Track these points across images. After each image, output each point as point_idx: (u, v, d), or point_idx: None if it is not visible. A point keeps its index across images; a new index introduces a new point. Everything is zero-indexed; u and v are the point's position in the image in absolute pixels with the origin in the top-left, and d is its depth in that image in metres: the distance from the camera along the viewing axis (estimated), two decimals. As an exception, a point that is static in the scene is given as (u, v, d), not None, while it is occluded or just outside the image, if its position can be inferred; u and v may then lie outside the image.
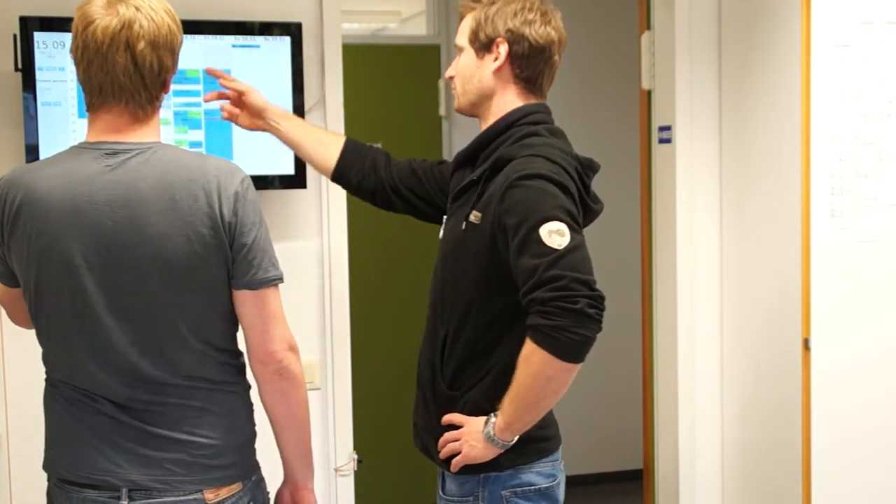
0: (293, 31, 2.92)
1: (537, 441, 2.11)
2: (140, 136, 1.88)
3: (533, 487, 2.11)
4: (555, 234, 1.92)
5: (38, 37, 2.67)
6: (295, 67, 2.92)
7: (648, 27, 3.54)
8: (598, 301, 1.91)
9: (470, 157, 2.22)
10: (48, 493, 1.95)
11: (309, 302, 3.12)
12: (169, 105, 2.78)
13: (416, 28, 5.19)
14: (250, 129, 2.51)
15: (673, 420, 3.47)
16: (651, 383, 3.66)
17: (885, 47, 2.96)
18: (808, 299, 2.97)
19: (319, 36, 3.06)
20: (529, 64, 2.16)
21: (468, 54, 2.20)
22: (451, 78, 2.26)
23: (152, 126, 1.90)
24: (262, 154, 2.82)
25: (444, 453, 2.11)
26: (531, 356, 1.94)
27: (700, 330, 3.44)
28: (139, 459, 1.85)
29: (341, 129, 3.10)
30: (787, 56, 3.05)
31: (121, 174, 1.83)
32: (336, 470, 3.15)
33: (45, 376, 1.96)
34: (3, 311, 2.14)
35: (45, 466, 1.95)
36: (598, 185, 2.20)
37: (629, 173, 4.17)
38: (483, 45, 2.17)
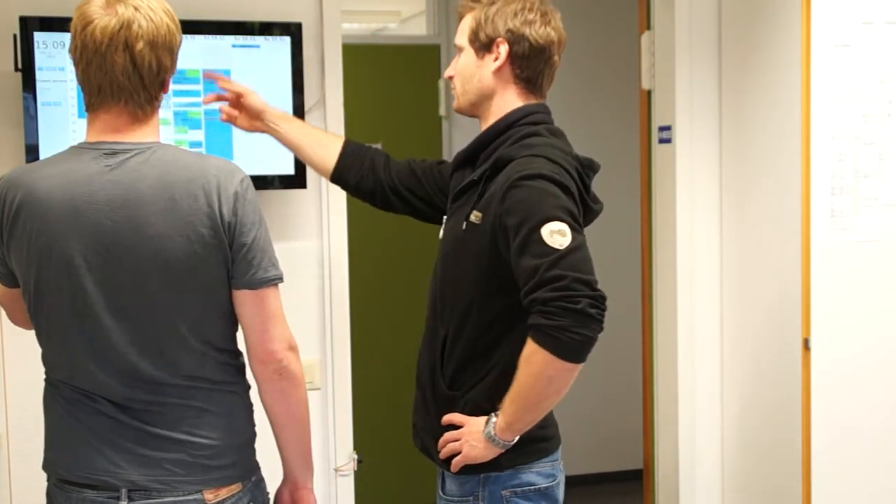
0: (293, 31, 2.92)
1: (537, 441, 2.11)
2: (139, 136, 1.88)
3: (533, 487, 2.11)
4: (556, 235, 1.92)
5: (38, 37, 2.68)
6: (295, 67, 2.92)
7: (648, 27, 3.54)
8: (599, 301, 1.91)
9: (470, 157, 2.22)
10: (48, 494, 1.95)
11: (309, 302, 3.12)
12: (169, 105, 2.78)
13: (416, 28, 5.19)
14: (249, 130, 2.52)
15: (673, 420, 3.47)
16: (651, 383, 3.66)
17: (885, 47, 2.96)
18: (808, 299, 2.97)
19: (319, 36, 3.06)
20: (529, 64, 2.16)
21: (468, 54, 2.20)
22: (451, 78, 2.26)
23: (151, 126, 1.90)
24: (262, 154, 2.82)
25: (444, 453, 2.11)
26: (533, 356, 1.94)
27: (700, 330, 3.44)
28: (139, 459, 1.85)
29: (341, 129, 3.10)
30: (787, 56, 3.05)
31: (120, 174, 1.83)
32: (336, 470, 3.15)
33: (44, 376, 1.96)
34: (3, 312, 2.14)
35: (45, 467, 1.95)
36: (598, 185, 2.20)
37: (629, 173, 4.17)
38: (483, 45, 2.17)
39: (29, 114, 2.69)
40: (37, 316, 1.90)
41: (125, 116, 1.87)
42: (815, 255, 2.95)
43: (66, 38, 1.88)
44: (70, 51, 1.86)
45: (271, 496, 2.07)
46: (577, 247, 1.93)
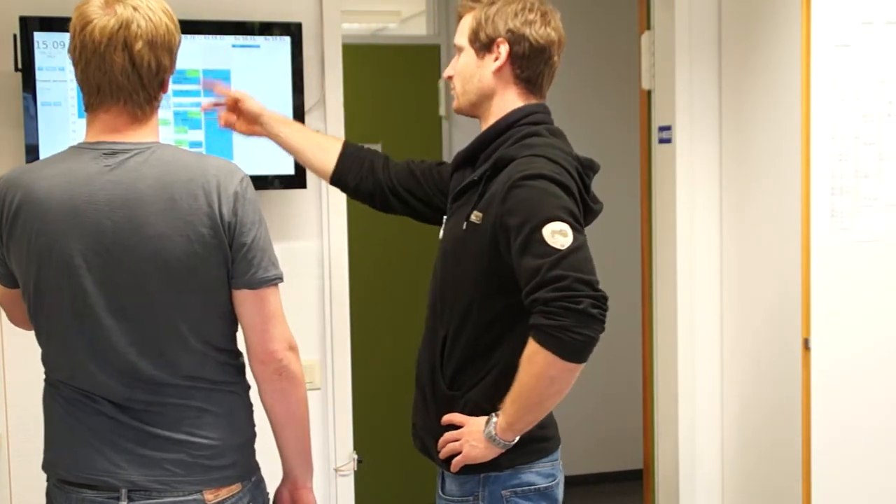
0: (293, 31, 2.92)
1: (537, 441, 2.11)
2: (139, 136, 1.88)
3: (533, 487, 2.11)
4: (557, 235, 1.92)
5: (38, 37, 2.68)
6: (295, 67, 2.92)
7: (648, 27, 3.54)
8: (601, 301, 1.91)
9: (470, 157, 2.22)
10: (47, 494, 1.95)
11: (309, 302, 3.12)
12: (169, 105, 2.78)
13: (416, 28, 5.19)
14: (248, 134, 2.52)
15: (673, 420, 3.47)
16: (651, 383, 3.66)
17: (885, 47, 2.96)
18: (808, 299, 2.97)
19: (319, 36, 3.06)
20: (530, 64, 2.16)
21: (468, 54, 2.20)
22: (450, 78, 2.26)
23: (151, 126, 1.90)
24: (261, 154, 2.82)
25: (444, 453, 2.11)
26: (534, 356, 1.94)
27: (700, 330, 3.44)
28: (138, 460, 1.85)
29: (341, 129, 3.10)
30: (787, 56, 3.05)
31: (120, 174, 1.83)
32: (336, 470, 3.15)
33: (44, 377, 1.96)
34: (3, 312, 2.14)
35: (45, 467, 1.95)
36: (598, 185, 2.20)
37: (629, 173, 4.17)
38: (483, 46, 2.17)
39: (29, 114, 2.69)
40: (36, 316, 1.90)
41: (124, 116, 1.86)
42: (815, 255, 2.95)
43: (66, 38, 1.88)
44: (69, 51, 1.86)
45: (271, 496, 2.07)
46: (579, 247, 1.93)
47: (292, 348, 1.94)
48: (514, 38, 2.14)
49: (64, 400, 1.90)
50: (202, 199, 1.83)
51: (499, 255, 2.03)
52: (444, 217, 2.25)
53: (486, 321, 2.08)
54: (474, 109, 2.22)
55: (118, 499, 1.85)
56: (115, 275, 1.82)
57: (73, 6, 1.87)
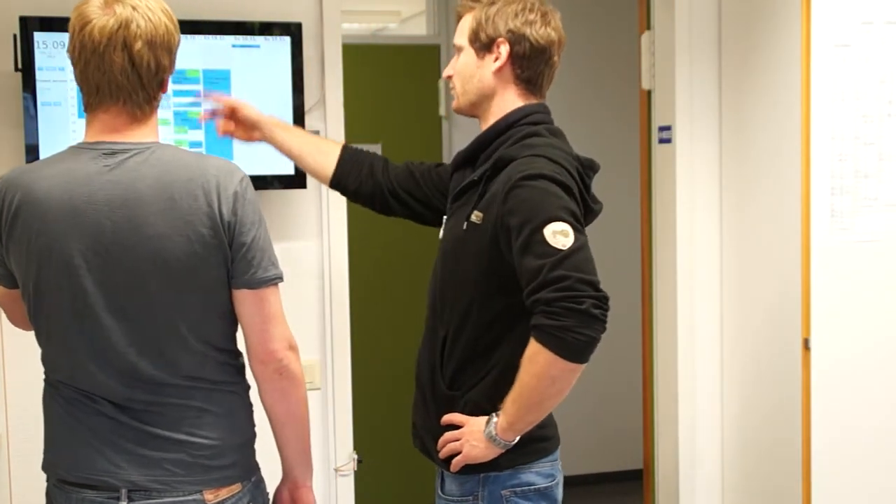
0: (293, 31, 2.92)
1: (537, 441, 2.11)
2: (138, 135, 1.88)
3: (532, 487, 2.11)
4: (559, 235, 1.92)
5: (38, 37, 2.68)
6: (295, 67, 2.92)
7: (648, 27, 3.54)
8: (602, 301, 1.91)
9: (470, 157, 2.22)
10: (47, 494, 1.95)
11: (309, 302, 3.12)
12: (169, 105, 2.78)
13: (416, 28, 5.19)
14: (247, 141, 2.51)
15: (673, 420, 3.47)
16: (651, 383, 3.66)
17: (885, 47, 2.96)
18: (808, 299, 2.97)
19: (319, 36, 3.06)
20: (530, 64, 2.16)
21: (468, 54, 2.20)
22: (450, 78, 2.26)
23: (150, 126, 1.90)
24: (261, 154, 2.81)
25: (444, 453, 2.11)
26: (536, 356, 1.94)
27: (700, 330, 3.44)
28: (139, 460, 1.85)
29: (341, 129, 3.10)
30: (787, 56, 3.05)
31: (119, 174, 1.83)
32: (336, 470, 3.15)
33: (43, 377, 1.95)
34: (3, 312, 2.14)
35: (45, 467, 1.95)
36: (598, 185, 2.20)
37: (629, 173, 4.17)
38: (483, 46, 2.17)
39: (29, 114, 2.69)
40: (36, 316, 1.90)
41: (124, 116, 1.86)
42: (815, 255, 2.95)
43: (66, 38, 1.88)
44: (68, 51, 1.86)
45: (271, 496, 2.07)
46: (580, 247, 1.93)
47: (292, 348, 1.94)
48: (515, 39, 2.14)
49: (64, 400, 1.89)
50: (202, 198, 1.83)
51: (499, 255, 2.02)
52: (444, 218, 2.25)
53: (486, 321, 2.08)
54: (474, 109, 2.22)
55: (118, 499, 1.85)
56: (115, 275, 1.82)
57: (72, 6, 1.87)
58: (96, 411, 1.87)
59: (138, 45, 1.82)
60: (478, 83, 2.19)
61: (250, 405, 2.00)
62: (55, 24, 2.67)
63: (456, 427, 2.10)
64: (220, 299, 1.88)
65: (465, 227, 2.10)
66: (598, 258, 1.97)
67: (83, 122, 1.91)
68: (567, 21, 2.23)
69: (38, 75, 2.68)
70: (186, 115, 2.81)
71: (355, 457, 3.18)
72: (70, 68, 1.89)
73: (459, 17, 2.24)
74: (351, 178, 2.45)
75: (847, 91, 2.94)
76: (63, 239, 1.82)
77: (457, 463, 2.09)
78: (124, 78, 1.83)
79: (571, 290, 1.89)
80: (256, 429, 2.00)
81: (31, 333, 1.95)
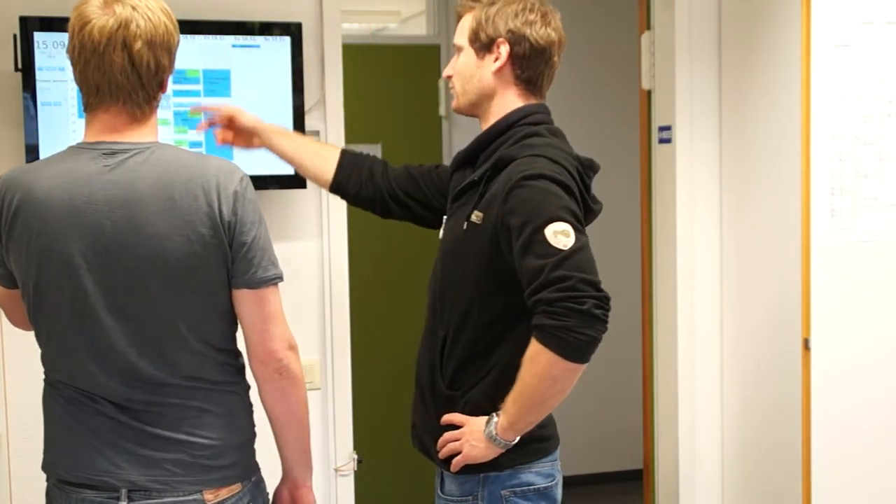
0: (293, 31, 2.92)
1: (537, 441, 2.11)
2: (138, 135, 1.87)
3: (532, 487, 2.11)
4: (560, 235, 1.92)
5: (38, 37, 2.68)
6: (295, 67, 2.92)
7: (648, 27, 3.54)
8: (604, 302, 1.91)
9: (470, 157, 2.22)
10: (47, 494, 1.95)
11: (309, 302, 3.12)
12: (169, 105, 2.78)
13: (416, 28, 5.19)
14: (246, 148, 2.51)
15: (673, 420, 3.47)
16: (651, 383, 3.66)
17: (885, 47, 2.96)
18: (808, 299, 2.97)
19: (319, 36, 3.06)
20: (530, 65, 2.16)
21: (468, 54, 2.20)
22: (449, 77, 2.26)
23: (150, 126, 1.90)
24: (261, 154, 2.81)
25: (443, 453, 2.11)
26: (537, 356, 1.94)
27: (700, 330, 3.44)
28: (139, 460, 1.85)
29: (341, 129, 3.10)
30: (787, 56, 3.05)
31: (119, 174, 1.83)
32: (336, 470, 3.15)
33: (43, 377, 1.95)
34: (3, 312, 2.14)
35: (45, 467, 1.95)
36: (598, 185, 2.20)
37: (629, 173, 4.17)
38: (483, 46, 2.17)
39: (29, 114, 2.69)
40: (36, 316, 1.90)
41: (123, 116, 1.86)
42: (815, 255, 2.95)
43: (65, 38, 1.88)
44: (68, 51, 1.86)
45: (271, 495, 2.07)
46: (581, 247, 1.93)
47: (292, 348, 1.94)
48: (515, 39, 2.14)
49: (64, 400, 1.89)
50: (202, 198, 1.83)
51: (499, 255, 2.02)
52: (444, 218, 2.25)
53: (486, 321, 2.08)
54: (474, 109, 2.22)
55: (118, 499, 1.85)
56: (115, 275, 1.82)
57: (72, 6, 1.87)
58: (96, 411, 1.86)
59: (138, 44, 1.82)
60: (478, 83, 2.19)
61: (250, 405, 2.00)
62: (55, 24, 2.67)
63: (456, 427, 2.10)
64: (220, 299, 1.88)
65: (465, 227, 2.10)
66: (599, 258, 1.97)
67: (83, 122, 1.91)
68: (567, 21, 2.23)
69: (38, 75, 2.68)
70: (186, 115, 2.81)
71: (355, 457, 3.18)
72: (70, 68, 1.89)
73: (459, 17, 2.24)
74: (351, 182, 2.45)
75: (847, 91, 2.94)
76: (63, 239, 1.82)
77: (457, 463, 2.09)
78: (124, 78, 1.83)
79: (573, 291, 1.89)
80: (256, 429, 2.00)
81: (31, 333, 1.95)
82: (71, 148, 1.89)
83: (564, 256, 1.90)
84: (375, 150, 4.29)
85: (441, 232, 2.24)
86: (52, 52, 2.68)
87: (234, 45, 2.86)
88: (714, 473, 3.48)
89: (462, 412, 2.10)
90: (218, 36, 2.84)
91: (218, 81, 2.84)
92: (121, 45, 1.81)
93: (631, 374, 4.32)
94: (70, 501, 1.88)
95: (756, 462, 3.32)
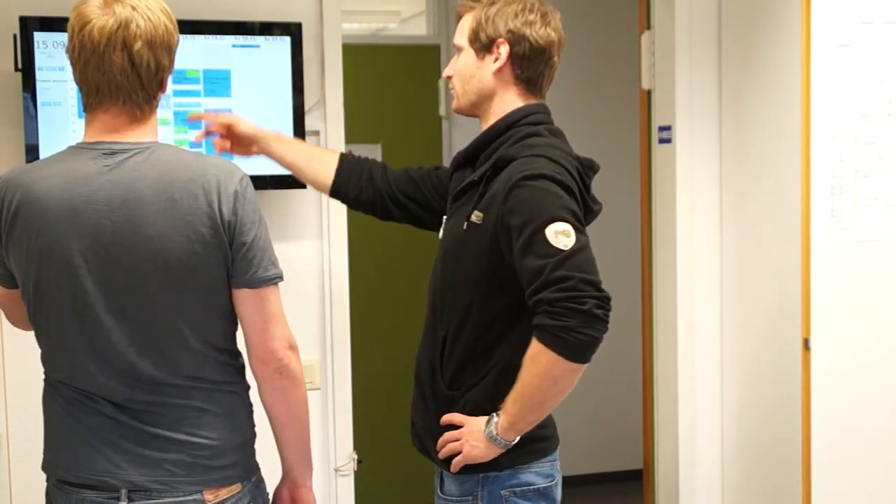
0: (293, 31, 2.92)
1: (537, 441, 2.11)
2: (138, 135, 1.88)
3: (532, 487, 2.11)
4: (560, 235, 1.92)
5: (38, 37, 2.68)
6: (295, 67, 2.92)
7: (648, 27, 3.54)
8: (605, 302, 1.91)
9: (470, 157, 2.22)
10: (47, 494, 1.95)
11: (309, 302, 3.12)
12: (169, 105, 2.78)
13: (416, 28, 5.19)
14: (245, 156, 2.51)
15: (673, 420, 3.47)
16: (651, 383, 3.66)
17: (885, 47, 2.96)
18: (808, 299, 2.97)
19: (319, 36, 3.06)
20: (530, 65, 2.16)
21: (468, 54, 2.20)
22: (449, 78, 2.26)
23: (150, 126, 1.90)
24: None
25: (443, 453, 2.11)
26: (538, 356, 1.94)
27: (700, 330, 3.44)
28: (139, 460, 1.85)
29: (341, 129, 3.10)
30: (787, 56, 3.05)
31: (119, 174, 1.83)
32: (336, 470, 3.15)
33: (43, 377, 1.95)
34: (3, 312, 2.14)
35: (45, 467, 1.95)
36: (598, 185, 2.20)
37: (629, 173, 4.17)
38: (483, 46, 2.17)
39: (29, 114, 2.69)
40: (36, 316, 1.90)
41: (123, 116, 1.86)
42: (815, 255, 2.95)
43: (65, 38, 1.88)
44: (67, 51, 1.86)
45: (271, 495, 2.07)
46: (582, 247, 1.93)
47: (292, 347, 1.94)
48: (515, 39, 2.14)
49: (64, 400, 1.89)
50: (202, 198, 1.83)
51: (499, 255, 2.02)
52: (444, 218, 2.25)
53: (486, 321, 2.08)
54: (474, 109, 2.22)
55: (118, 499, 1.85)
56: (115, 275, 1.82)
57: (72, 6, 1.87)
58: (96, 411, 1.87)
59: (138, 44, 1.82)
60: (478, 83, 2.19)
61: (250, 405, 2.00)
62: (55, 24, 2.67)
63: (456, 427, 2.10)
64: (221, 299, 1.88)
65: (465, 226, 2.10)
66: (599, 258, 1.97)
67: (83, 122, 1.91)
68: (567, 21, 2.23)
69: (38, 75, 2.68)
70: (186, 115, 2.80)
71: (355, 457, 3.18)
72: (70, 68, 1.89)
73: (459, 17, 2.24)
74: (350, 185, 2.45)
75: (847, 91, 2.94)
76: (63, 239, 1.82)
77: (457, 463, 2.09)
78: (124, 78, 1.83)
79: (574, 291, 1.89)
80: (256, 429, 2.00)
81: (31, 333, 1.95)
82: (71, 148, 1.89)
83: (565, 256, 1.90)
84: (375, 150, 4.30)
85: (441, 232, 2.24)
86: (52, 52, 2.68)
87: (234, 45, 2.86)
88: (714, 473, 3.48)
89: (462, 412, 2.10)
90: (218, 36, 2.84)
91: (218, 81, 2.84)
92: (121, 45, 1.81)
93: (631, 374, 4.32)
94: (70, 501, 1.88)
95: (756, 462, 3.32)
